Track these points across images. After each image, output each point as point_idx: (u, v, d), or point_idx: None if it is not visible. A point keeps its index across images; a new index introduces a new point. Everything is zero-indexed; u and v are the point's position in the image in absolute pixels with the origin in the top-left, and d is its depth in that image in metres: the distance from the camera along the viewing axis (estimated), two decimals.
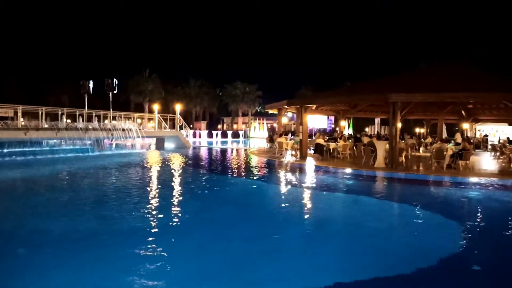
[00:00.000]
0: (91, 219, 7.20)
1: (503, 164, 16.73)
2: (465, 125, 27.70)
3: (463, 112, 26.06)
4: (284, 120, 40.18)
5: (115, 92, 25.41)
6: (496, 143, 25.92)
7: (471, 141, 23.01)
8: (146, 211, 7.79)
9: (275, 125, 50.30)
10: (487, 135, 29.55)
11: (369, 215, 8.21)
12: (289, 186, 11.89)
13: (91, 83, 24.38)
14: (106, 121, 25.31)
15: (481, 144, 27.05)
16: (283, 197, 10.52)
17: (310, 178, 13.43)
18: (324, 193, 10.67)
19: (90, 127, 21.95)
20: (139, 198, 9.28)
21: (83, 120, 23.09)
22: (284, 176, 14.21)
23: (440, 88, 15.51)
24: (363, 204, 9.46)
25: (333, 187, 11.73)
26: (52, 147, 20.84)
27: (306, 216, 8.04)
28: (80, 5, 69.56)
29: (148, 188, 10.85)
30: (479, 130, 32.02)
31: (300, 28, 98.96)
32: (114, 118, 26.09)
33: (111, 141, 23.40)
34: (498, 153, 20.96)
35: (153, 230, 6.50)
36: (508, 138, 24.51)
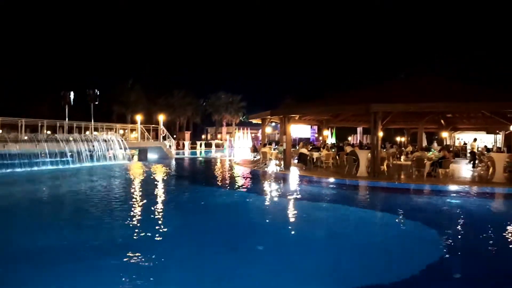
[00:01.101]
0: (70, 233, 7.05)
1: (482, 172, 17.13)
2: (444, 134, 28.31)
3: (442, 121, 26.66)
4: (268, 130, 40.34)
5: (96, 103, 25.07)
6: (475, 151, 26.55)
7: (451, 149, 23.50)
8: (128, 224, 7.67)
9: (259, 134, 50.43)
10: (466, 143, 30.28)
11: (352, 224, 8.30)
12: (273, 197, 11.91)
13: (71, 94, 24.00)
14: (87, 132, 24.93)
15: (460, 152, 27.70)
16: (267, 207, 10.52)
17: (294, 188, 13.48)
18: (308, 203, 10.72)
19: (71, 138, 21.58)
20: (119, 211, 9.14)
21: (63, 132, 22.70)
22: (268, 186, 14.22)
23: (420, 98, 15.86)
24: (346, 213, 9.55)
25: (316, 197, 11.80)
26: (31, 160, 20.37)
27: (290, 227, 8.05)
28: (61, 14, 68.78)
29: (129, 201, 10.68)
30: (458, 139, 32.77)
31: (283, 38, 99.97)
32: (96, 129, 25.74)
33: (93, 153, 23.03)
34: (477, 161, 21.47)
35: (136, 243, 6.39)
36: (485, 146, 25.18)
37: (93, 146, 22.39)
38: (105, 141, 23.14)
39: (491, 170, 15.23)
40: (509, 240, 7.26)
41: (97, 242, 6.45)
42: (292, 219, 8.82)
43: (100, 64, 67.41)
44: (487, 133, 30.43)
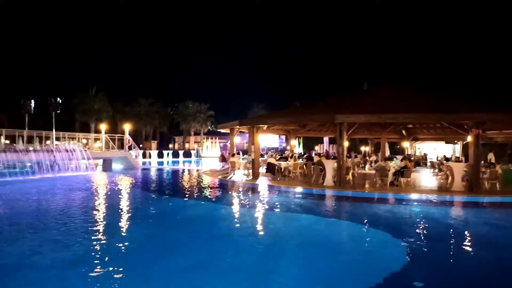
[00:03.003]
0: (24, 249, 6.75)
1: (441, 181, 17.87)
2: (406, 144, 29.42)
3: (403, 131, 27.72)
4: (237, 139, 40.39)
5: (58, 111, 24.22)
6: (435, 160, 27.75)
7: (412, 158, 24.41)
8: (87, 238, 7.44)
9: (228, 144, 50.36)
10: (426, 154, 31.57)
11: (318, 234, 8.41)
12: (241, 207, 11.90)
13: (32, 103, 23.10)
14: (48, 142, 24.04)
15: (421, 161, 28.85)
16: (234, 218, 10.48)
17: (262, 198, 13.52)
18: (276, 213, 10.78)
19: (31, 148, 20.74)
20: (79, 224, 8.83)
21: (23, 142, 21.76)
22: (236, 196, 14.20)
23: (382, 109, 16.42)
24: (312, 223, 9.68)
25: (284, 206, 11.88)
26: None
27: (258, 237, 8.05)
28: (21, 20, 66.26)
29: (89, 214, 10.30)
30: (418, 148, 34.09)
31: (251, 47, 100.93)
32: (57, 138, 24.84)
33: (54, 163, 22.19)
34: (436, 170, 22.43)
35: (97, 259, 6.20)
36: (444, 155, 26.34)
37: (54, 156, 21.59)
38: (67, 151, 22.38)
39: (450, 179, 15.94)
40: (467, 245, 7.62)
41: (49, 259, 6.21)
42: (259, 230, 8.84)
43: (63, 71, 65.33)
44: (446, 143, 31.89)
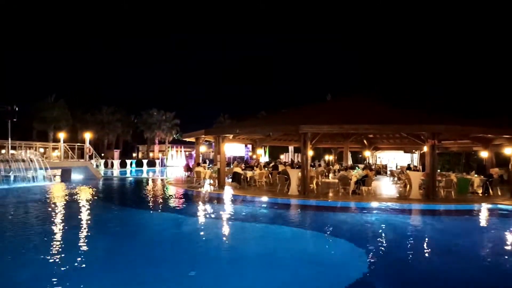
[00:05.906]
0: None
1: (400, 189, 18.55)
2: (367, 153, 30.38)
3: (365, 141, 28.64)
4: (203, 148, 40.11)
5: (14, 120, 23.11)
6: (394, 169, 28.82)
7: (373, 167, 25.25)
8: (43, 254, 7.15)
9: (193, 153, 49.84)
10: (385, 165, 32.74)
11: (280, 244, 8.51)
12: (206, 218, 11.83)
13: None
14: (3, 151, 22.87)
15: (381, 170, 29.88)
16: (199, 229, 10.40)
17: (228, 208, 13.50)
18: (241, 223, 10.80)
19: None
20: (32, 239, 8.47)
21: None
22: (201, 207, 14.09)
23: (344, 120, 16.92)
24: (276, 233, 9.79)
25: (249, 216, 11.93)
26: None
27: (221, 249, 8.06)
28: None
29: (44, 228, 9.85)
30: (379, 158, 35.26)
31: (218, 57, 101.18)
32: (13, 148, 23.68)
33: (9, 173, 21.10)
34: (396, 178, 23.30)
35: (54, 278, 5.97)
36: (408, 164, 27.37)
37: (10, 166, 20.56)
38: (24, 160, 21.36)
39: (408, 187, 16.60)
40: (423, 251, 7.97)
41: None
42: (223, 240, 8.84)
43: (19, 77, 62.52)
44: (404, 152, 33.21)
